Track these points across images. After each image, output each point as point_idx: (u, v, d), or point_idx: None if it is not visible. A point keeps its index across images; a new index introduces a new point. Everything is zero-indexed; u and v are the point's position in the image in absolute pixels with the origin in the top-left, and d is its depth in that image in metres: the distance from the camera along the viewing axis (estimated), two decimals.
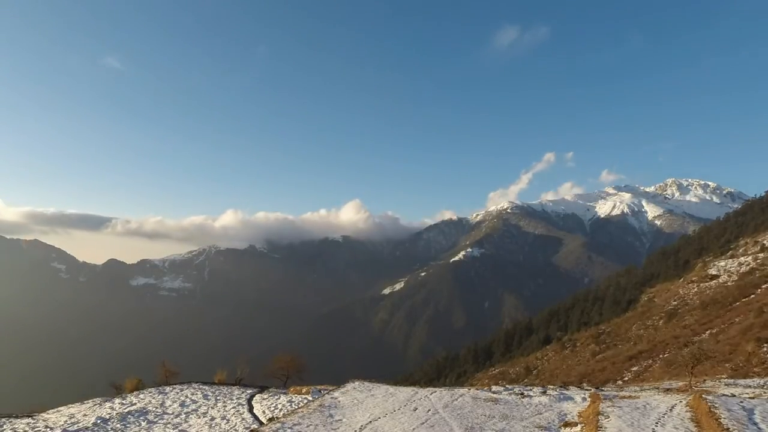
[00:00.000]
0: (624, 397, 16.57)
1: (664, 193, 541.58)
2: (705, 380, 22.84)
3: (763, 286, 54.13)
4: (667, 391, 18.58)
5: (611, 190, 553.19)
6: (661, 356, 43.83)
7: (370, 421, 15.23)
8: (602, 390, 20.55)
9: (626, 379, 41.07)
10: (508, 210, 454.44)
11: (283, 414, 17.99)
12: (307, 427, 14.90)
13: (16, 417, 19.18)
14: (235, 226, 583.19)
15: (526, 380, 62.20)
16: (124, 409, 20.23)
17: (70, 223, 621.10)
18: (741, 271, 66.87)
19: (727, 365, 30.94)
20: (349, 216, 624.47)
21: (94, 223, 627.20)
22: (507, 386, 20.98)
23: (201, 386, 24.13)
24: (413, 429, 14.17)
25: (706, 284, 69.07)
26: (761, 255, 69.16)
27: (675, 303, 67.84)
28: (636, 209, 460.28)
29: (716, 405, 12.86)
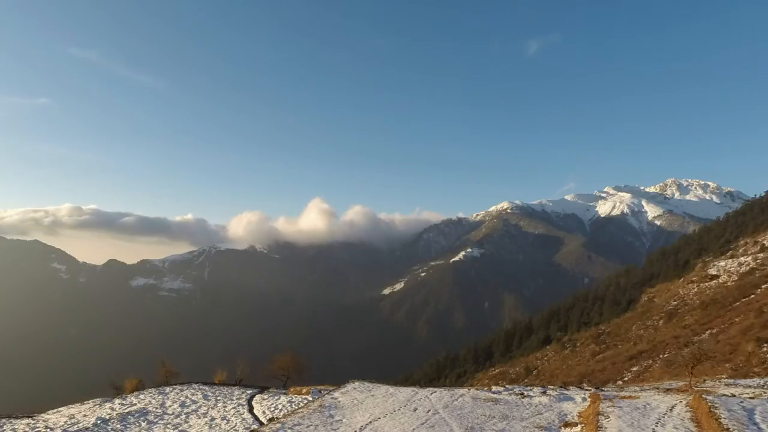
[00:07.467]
0: (624, 397, 16.58)
1: (664, 193, 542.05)
2: (705, 380, 22.85)
3: (763, 286, 54.18)
4: (667, 391, 18.58)
5: (611, 190, 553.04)
6: (661, 356, 43.88)
7: (370, 422, 15.23)
8: (602, 390, 20.56)
9: (626, 379, 41.11)
10: (508, 210, 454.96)
11: (284, 414, 17.99)
12: (307, 427, 14.90)
13: (16, 417, 19.19)
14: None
15: (526, 380, 62.22)
16: (124, 409, 20.25)
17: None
18: (741, 271, 66.91)
19: (727, 365, 30.99)
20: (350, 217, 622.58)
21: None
22: (507, 386, 20.98)
23: (201, 386, 24.13)
24: (413, 429, 14.17)
25: (706, 284, 69.09)
26: (761, 255, 69.19)
27: (675, 303, 67.89)
28: (636, 209, 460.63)
29: (716, 405, 12.87)
